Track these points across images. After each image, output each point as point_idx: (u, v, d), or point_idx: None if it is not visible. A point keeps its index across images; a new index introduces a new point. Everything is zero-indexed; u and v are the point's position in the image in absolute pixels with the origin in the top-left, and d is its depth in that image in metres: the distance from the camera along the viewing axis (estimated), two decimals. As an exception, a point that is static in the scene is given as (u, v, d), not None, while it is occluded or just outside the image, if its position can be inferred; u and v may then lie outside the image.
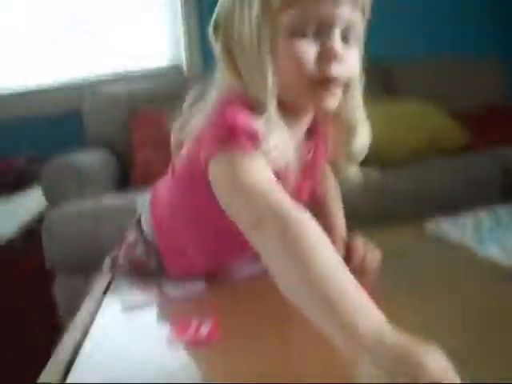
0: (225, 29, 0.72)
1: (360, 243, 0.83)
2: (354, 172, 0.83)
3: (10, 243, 1.84)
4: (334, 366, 0.54)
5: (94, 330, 0.72)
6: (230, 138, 0.64)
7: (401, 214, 1.65)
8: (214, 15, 0.74)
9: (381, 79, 2.43)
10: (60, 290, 1.62)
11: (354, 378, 0.46)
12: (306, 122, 0.77)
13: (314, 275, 0.50)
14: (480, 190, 1.78)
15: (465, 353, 0.52)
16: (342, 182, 0.90)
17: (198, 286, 0.82)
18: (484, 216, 1.01)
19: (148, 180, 1.81)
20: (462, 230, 0.94)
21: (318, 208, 0.90)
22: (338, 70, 0.67)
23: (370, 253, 0.82)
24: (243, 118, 0.65)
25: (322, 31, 0.67)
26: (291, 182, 0.69)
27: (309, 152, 0.78)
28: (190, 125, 0.74)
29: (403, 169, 1.82)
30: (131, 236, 0.94)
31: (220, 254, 0.86)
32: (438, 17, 2.80)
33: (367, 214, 1.56)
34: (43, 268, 1.65)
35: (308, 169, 0.78)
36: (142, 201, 0.95)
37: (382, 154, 1.81)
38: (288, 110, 0.70)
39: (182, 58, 2.58)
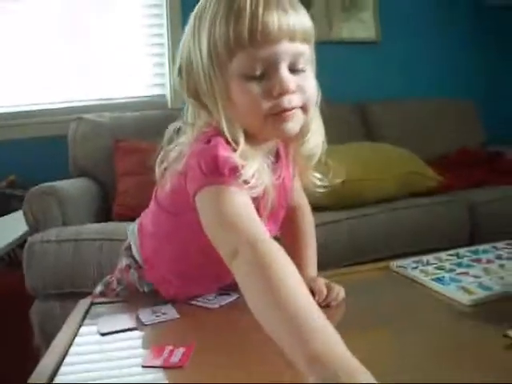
0: (187, 75, 0.80)
1: (322, 284, 0.86)
2: (317, 179, 0.89)
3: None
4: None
5: (70, 356, 0.75)
6: (214, 172, 0.71)
7: (371, 253, 1.72)
8: (177, 62, 0.81)
9: (360, 117, 2.55)
10: (36, 314, 1.63)
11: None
12: (272, 146, 0.84)
13: (281, 301, 0.56)
14: (449, 231, 1.86)
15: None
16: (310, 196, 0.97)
17: (171, 313, 0.87)
18: (446, 257, 1.07)
19: (129, 210, 1.86)
20: (425, 269, 0.99)
21: (291, 242, 0.96)
22: (292, 100, 0.74)
23: (333, 292, 0.85)
24: (224, 153, 0.72)
25: (270, 69, 0.73)
26: (269, 206, 0.78)
27: (279, 176, 0.84)
28: (172, 158, 0.80)
29: (374, 209, 1.88)
30: (123, 262, 0.99)
31: (203, 283, 0.92)
32: (415, 63, 2.94)
33: (337, 252, 1.62)
34: (23, 292, 1.66)
35: (281, 192, 0.85)
36: (132, 228, 0.99)
37: (354, 195, 1.88)
38: (255, 139, 0.78)
39: (167, 89, 2.65)
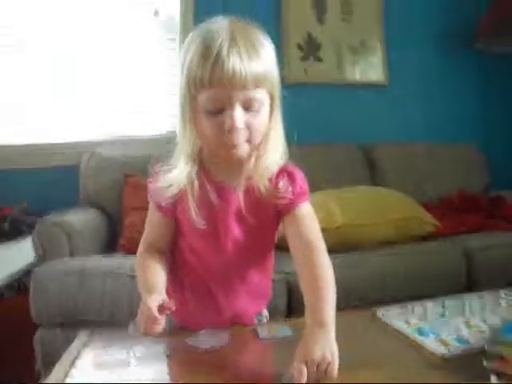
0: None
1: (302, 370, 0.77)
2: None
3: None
4: None
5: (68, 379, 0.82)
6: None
7: (365, 297, 1.75)
8: None
9: (364, 158, 2.62)
10: (40, 343, 1.68)
11: None
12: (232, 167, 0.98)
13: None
14: (445, 277, 1.88)
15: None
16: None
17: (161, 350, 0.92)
18: (430, 306, 1.11)
19: (134, 244, 1.90)
20: (407, 318, 1.04)
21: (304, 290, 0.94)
22: (238, 137, 0.90)
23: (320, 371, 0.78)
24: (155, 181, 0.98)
25: (226, 107, 0.88)
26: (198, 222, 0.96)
27: (225, 200, 0.98)
28: None
29: (369, 254, 1.90)
30: None
31: (203, 310, 1.05)
32: (420, 106, 3.02)
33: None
34: (28, 319, 1.71)
35: (224, 218, 0.99)
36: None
37: (350, 239, 1.92)
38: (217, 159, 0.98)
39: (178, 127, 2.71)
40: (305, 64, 2.87)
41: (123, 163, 2.32)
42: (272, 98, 0.94)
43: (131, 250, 1.87)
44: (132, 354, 0.92)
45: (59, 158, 2.58)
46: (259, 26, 0.93)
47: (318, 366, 0.77)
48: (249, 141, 0.92)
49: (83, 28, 2.67)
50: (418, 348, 0.91)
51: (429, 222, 2.11)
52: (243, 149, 0.92)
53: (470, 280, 1.96)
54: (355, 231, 1.93)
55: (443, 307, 1.11)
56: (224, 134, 0.89)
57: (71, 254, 1.82)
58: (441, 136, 2.88)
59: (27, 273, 1.85)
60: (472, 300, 1.14)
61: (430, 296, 1.18)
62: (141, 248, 1.06)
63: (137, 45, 2.73)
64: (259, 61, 0.89)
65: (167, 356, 0.91)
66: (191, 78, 0.88)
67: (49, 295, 1.65)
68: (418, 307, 1.11)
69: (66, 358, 0.93)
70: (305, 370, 0.76)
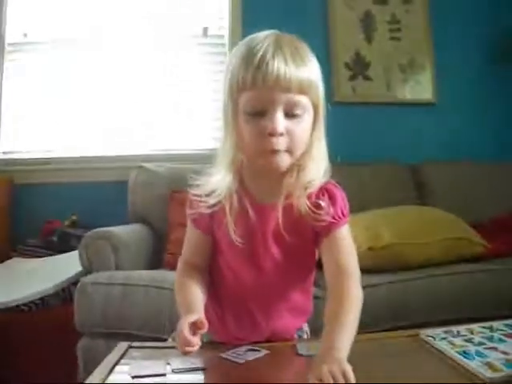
0: None
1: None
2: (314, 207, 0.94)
3: (44, 300, 1.97)
4: None
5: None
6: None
7: (409, 318, 1.69)
8: None
9: (412, 178, 2.59)
10: (82, 351, 1.71)
11: None
12: (272, 181, 0.95)
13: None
14: (493, 301, 1.80)
15: None
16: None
17: (199, 363, 0.91)
18: (477, 329, 1.06)
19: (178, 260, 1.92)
20: (453, 341, 0.99)
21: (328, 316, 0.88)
22: (278, 143, 0.87)
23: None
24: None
25: (267, 110, 0.87)
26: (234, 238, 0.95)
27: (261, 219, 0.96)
28: None
29: (415, 274, 1.84)
30: None
31: (241, 327, 1.04)
32: (471, 125, 2.94)
33: (375, 315, 1.60)
34: (72, 327, 1.75)
35: (260, 237, 0.97)
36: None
37: (397, 258, 1.87)
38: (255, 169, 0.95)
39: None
40: (353, 83, 2.86)
41: (171, 179, 2.34)
42: (316, 109, 0.92)
43: (176, 266, 1.88)
44: (169, 367, 0.91)
45: (110, 173, 2.66)
46: (307, 43, 0.94)
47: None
48: (289, 151, 0.89)
49: (136, 44, 2.75)
50: (462, 371, 0.86)
51: (478, 242, 2.05)
52: (283, 158, 0.89)
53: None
54: (402, 250, 1.87)
55: (491, 331, 1.06)
56: (264, 139, 0.87)
57: (116, 268, 1.85)
58: (491, 155, 2.80)
59: (74, 283, 1.90)
60: (524, 324, 1.09)
61: (477, 320, 1.12)
62: (179, 266, 1.06)
63: (187, 62, 2.80)
64: (305, 68, 0.88)
65: (203, 370, 0.90)
66: (234, 81, 0.88)
67: (92, 305, 1.68)
68: (463, 330, 1.06)
69: (103, 367, 0.94)
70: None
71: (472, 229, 2.08)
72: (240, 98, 0.88)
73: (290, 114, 0.88)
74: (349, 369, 0.71)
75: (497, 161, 2.73)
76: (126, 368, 0.93)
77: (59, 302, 2.05)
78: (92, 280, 1.73)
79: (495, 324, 1.09)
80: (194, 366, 0.90)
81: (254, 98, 0.87)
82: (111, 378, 0.89)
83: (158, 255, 2.14)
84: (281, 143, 0.88)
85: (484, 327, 1.08)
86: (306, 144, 0.92)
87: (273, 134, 0.86)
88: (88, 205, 2.57)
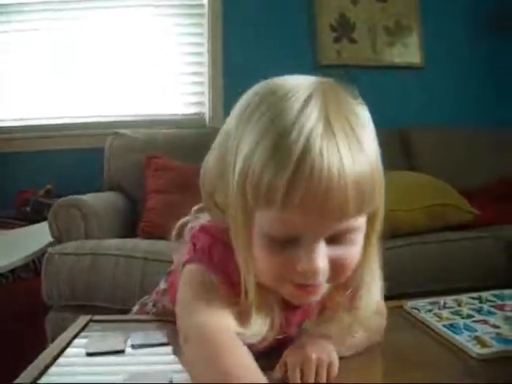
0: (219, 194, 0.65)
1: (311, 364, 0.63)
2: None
3: (15, 272, 1.89)
4: None
5: (54, 368, 0.74)
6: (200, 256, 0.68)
7: (396, 287, 1.63)
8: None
9: (400, 144, 2.53)
10: (50, 323, 1.63)
11: None
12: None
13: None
14: (482, 270, 1.75)
15: None
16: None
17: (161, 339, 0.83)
18: (466, 300, 0.99)
19: (155, 228, 1.86)
20: (439, 313, 0.92)
21: None
22: (315, 280, 0.59)
23: (322, 371, 0.64)
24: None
25: (302, 238, 0.57)
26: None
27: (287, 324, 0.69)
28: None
29: (403, 241, 1.79)
30: (163, 285, 0.97)
31: None
32: (460, 89, 2.87)
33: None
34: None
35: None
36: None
37: (384, 226, 1.80)
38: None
39: (206, 107, 2.65)
40: (338, 46, 2.76)
41: (147, 144, 2.28)
42: (374, 214, 0.63)
43: (151, 234, 1.81)
44: (129, 342, 0.83)
45: (85, 140, 2.57)
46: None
47: (316, 367, 0.63)
48: (333, 280, 0.62)
49: (110, 7, 2.65)
50: (449, 346, 0.79)
51: (467, 209, 1.99)
52: (321, 291, 0.62)
53: (510, 275, 1.81)
54: (389, 217, 1.80)
55: (480, 302, 0.99)
56: (292, 273, 0.59)
57: (87, 237, 1.76)
58: (479, 121, 2.70)
59: (43, 255, 1.82)
60: (514, 296, 1.02)
61: (465, 290, 1.05)
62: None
63: (163, 22, 2.69)
64: (367, 172, 0.57)
65: (166, 345, 0.82)
66: (253, 184, 0.56)
67: (59, 277, 1.60)
68: (451, 301, 0.99)
69: (58, 342, 0.86)
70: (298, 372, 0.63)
71: (461, 196, 2.02)
72: (258, 213, 0.58)
73: (336, 240, 0.59)
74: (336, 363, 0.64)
75: (486, 127, 2.64)
76: (83, 343, 0.85)
77: (30, 275, 1.98)
78: (59, 250, 1.64)
79: (484, 294, 1.03)
80: (156, 342, 0.82)
81: (283, 223, 0.56)
82: (66, 354, 0.81)
83: (134, 224, 2.07)
84: (322, 277, 0.59)
85: (472, 298, 1.01)
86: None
87: (308, 277, 0.58)
88: (64, 173, 2.50)
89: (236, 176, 0.57)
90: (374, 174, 0.58)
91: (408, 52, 2.85)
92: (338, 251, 0.59)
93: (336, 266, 0.59)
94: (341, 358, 0.67)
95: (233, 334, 0.57)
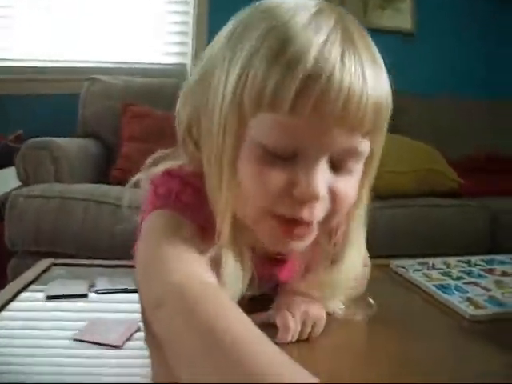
0: (197, 127, 0.57)
1: (288, 318, 0.59)
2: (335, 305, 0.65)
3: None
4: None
5: (4, 312, 0.68)
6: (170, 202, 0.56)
7: (380, 249, 1.58)
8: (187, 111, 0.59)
9: None
10: (12, 270, 1.54)
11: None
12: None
13: (221, 343, 0.39)
14: (466, 238, 1.72)
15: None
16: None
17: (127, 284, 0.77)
18: (455, 263, 0.95)
19: (127, 175, 1.76)
20: (428, 273, 0.87)
21: None
22: (313, 212, 0.51)
23: (306, 326, 0.61)
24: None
25: (303, 156, 0.49)
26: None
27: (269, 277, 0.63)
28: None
29: (388, 203, 1.73)
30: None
31: None
32: (451, 57, 2.79)
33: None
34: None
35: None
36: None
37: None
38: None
39: (189, 58, 2.55)
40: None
41: (124, 91, 2.17)
42: (371, 155, 0.56)
43: (123, 181, 1.72)
44: (92, 287, 0.76)
45: (61, 86, 2.44)
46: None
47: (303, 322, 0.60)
48: (324, 221, 0.53)
49: None
50: (440, 307, 0.75)
51: (453, 178, 1.95)
52: (309, 236, 0.54)
53: (494, 244, 1.79)
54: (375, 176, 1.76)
55: (470, 266, 0.94)
56: (285, 201, 0.50)
57: (57, 181, 1.66)
58: (471, 91, 2.64)
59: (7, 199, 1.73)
60: (504, 261, 0.98)
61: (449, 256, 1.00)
62: None
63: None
64: (382, 89, 0.52)
65: (132, 292, 0.75)
66: (255, 87, 0.47)
67: (24, 221, 1.50)
68: (439, 263, 0.94)
69: (16, 284, 0.79)
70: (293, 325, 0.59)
71: (447, 164, 1.98)
72: (256, 119, 0.49)
73: (337, 166, 0.52)
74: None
75: (477, 97, 2.60)
76: (43, 287, 0.78)
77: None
78: (25, 193, 1.53)
79: (473, 258, 0.99)
80: (121, 287, 0.75)
81: (287, 131, 0.48)
82: (23, 297, 0.74)
83: (106, 171, 1.98)
84: (315, 213, 0.51)
85: (461, 261, 0.97)
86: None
87: (304, 200, 0.50)
88: (37, 120, 2.37)
89: (229, 86, 0.49)
90: (389, 101, 0.53)
91: (400, 16, 2.76)
92: (337, 181, 0.51)
93: (333, 197, 0.52)
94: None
95: (221, 290, 0.48)
